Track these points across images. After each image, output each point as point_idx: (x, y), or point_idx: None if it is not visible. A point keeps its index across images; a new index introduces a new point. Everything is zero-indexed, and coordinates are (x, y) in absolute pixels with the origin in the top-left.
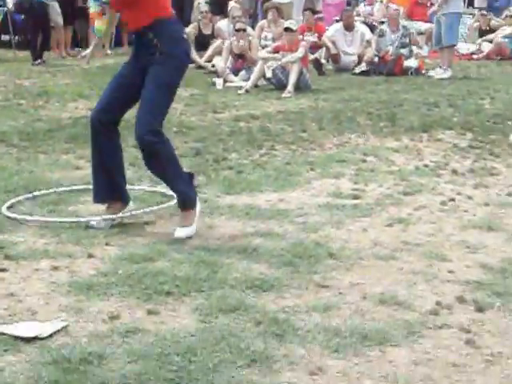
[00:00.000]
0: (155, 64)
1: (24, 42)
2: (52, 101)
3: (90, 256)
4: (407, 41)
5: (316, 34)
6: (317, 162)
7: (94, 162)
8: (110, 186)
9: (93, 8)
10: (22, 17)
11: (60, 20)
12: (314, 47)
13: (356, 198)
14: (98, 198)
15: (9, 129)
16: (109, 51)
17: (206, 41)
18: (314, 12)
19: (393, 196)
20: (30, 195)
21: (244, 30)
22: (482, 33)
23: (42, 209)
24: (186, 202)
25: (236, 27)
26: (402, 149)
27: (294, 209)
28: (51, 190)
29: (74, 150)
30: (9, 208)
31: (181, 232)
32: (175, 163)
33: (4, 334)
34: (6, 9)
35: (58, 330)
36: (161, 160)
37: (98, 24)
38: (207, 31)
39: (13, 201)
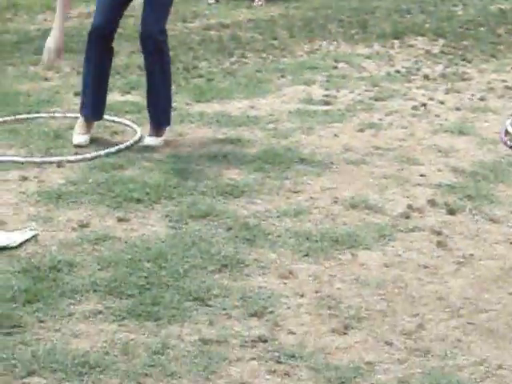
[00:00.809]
0: None
1: None
2: (20, 13)
3: (60, 165)
4: None
5: None
6: (288, 69)
7: (94, 78)
8: (104, 102)
9: None
10: None
11: None
12: None
13: (327, 104)
14: (98, 116)
15: None
16: None
17: None
18: None
19: (364, 102)
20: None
21: None
22: None
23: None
24: (168, 117)
25: None
26: (374, 55)
27: (264, 115)
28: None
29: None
30: None
31: (153, 141)
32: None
33: None
34: None
35: (28, 239)
36: (166, 62)
37: None
38: None
39: None
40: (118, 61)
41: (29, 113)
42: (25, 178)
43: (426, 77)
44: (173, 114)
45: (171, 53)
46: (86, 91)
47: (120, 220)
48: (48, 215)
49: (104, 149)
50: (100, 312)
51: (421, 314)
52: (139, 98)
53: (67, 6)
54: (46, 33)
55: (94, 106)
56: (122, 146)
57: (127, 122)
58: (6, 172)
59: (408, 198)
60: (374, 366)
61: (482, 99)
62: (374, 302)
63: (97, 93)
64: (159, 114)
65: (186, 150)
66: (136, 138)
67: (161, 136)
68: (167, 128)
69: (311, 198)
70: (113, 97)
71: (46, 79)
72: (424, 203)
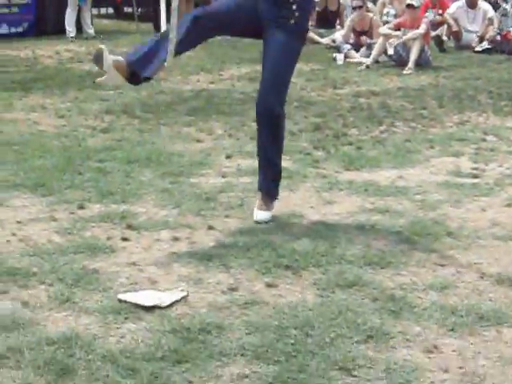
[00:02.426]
0: (284, 30)
1: (147, 14)
2: (174, 73)
3: (210, 228)
4: None
5: (440, 11)
6: (436, 139)
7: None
8: None
9: None
10: None
11: None
12: (436, 24)
13: (475, 177)
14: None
15: (131, 100)
16: None
17: (330, 17)
18: None
19: None
20: None
21: (361, 7)
22: None
23: (163, 180)
24: (277, 189)
25: (353, 5)
26: None
27: (412, 186)
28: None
29: (196, 122)
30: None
31: (263, 215)
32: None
33: (125, 301)
34: None
35: (178, 300)
36: (281, 135)
37: None
38: (333, 7)
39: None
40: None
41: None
42: (176, 239)
43: None
44: (322, 181)
45: (320, 119)
46: None
47: (268, 285)
48: (198, 277)
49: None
50: (247, 376)
51: None
52: (290, 163)
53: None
54: (198, 94)
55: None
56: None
57: None
58: (158, 232)
59: None
60: None
61: None
62: None
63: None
64: (269, 185)
65: (334, 217)
66: None
67: (270, 209)
68: (274, 204)
69: (457, 272)
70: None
71: (199, 141)
72: None
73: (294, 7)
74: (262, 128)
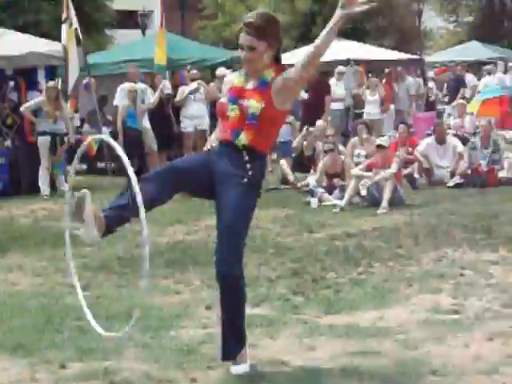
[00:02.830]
0: (239, 189)
1: (120, 168)
2: (150, 225)
3: (193, 380)
4: (497, 157)
5: (409, 149)
6: (414, 277)
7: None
8: None
9: None
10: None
11: (154, 146)
12: (407, 162)
13: (456, 312)
14: None
15: (109, 256)
16: None
17: (305, 162)
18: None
19: (492, 309)
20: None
21: (332, 150)
22: None
23: (143, 335)
24: (244, 341)
25: (325, 148)
26: (500, 260)
27: (393, 326)
28: None
29: (173, 274)
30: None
31: (239, 369)
32: (245, 300)
33: None
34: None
35: None
36: (241, 297)
37: None
38: (308, 152)
39: None
40: (247, 272)
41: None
42: None
43: None
44: (303, 326)
45: (298, 264)
46: None
47: None
48: None
49: None
50: None
51: None
52: (269, 310)
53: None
54: (175, 246)
55: None
56: None
57: None
58: None
59: None
60: None
61: None
62: None
63: None
64: (231, 342)
65: (315, 363)
66: None
67: (245, 361)
68: (247, 353)
69: None
70: None
71: (177, 292)
72: None
73: (248, 166)
74: (223, 286)
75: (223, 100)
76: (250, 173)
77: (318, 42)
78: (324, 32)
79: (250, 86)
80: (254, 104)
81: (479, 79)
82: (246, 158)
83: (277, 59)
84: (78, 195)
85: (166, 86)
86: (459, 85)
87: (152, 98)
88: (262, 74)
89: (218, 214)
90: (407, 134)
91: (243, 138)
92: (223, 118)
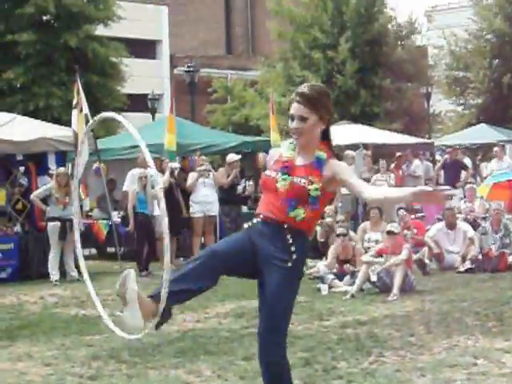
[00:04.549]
0: (283, 273)
1: (130, 253)
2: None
3: None
4: (508, 241)
5: (415, 230)
6: (427, 367)
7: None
8: None
9: None
10: (127, 229)
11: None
12: (417, 244)
13: None
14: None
15: (118, 344)
16: None
17: (319, 247)
18: (409, 210)
19: None
20: None
21: (345, 235)
22: None
23: None
24: None
25: (337, 232)
26: None
27: None
28: None
29: (184, 364)
30: None
31: None
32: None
33: None
34: (111, 222)
35: None
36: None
37: None
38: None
39: None
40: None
41: None
42: None
43: None
44: None
45: (309, 354)
46: None
47: None
48: None
49: None
50: None
51: None
52: None
53: None
54: (185, 334)
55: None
56: None
57: None
58: None
59: None
60: None
61: None
62: None
63: None
64: None
65: None
66: None
67: None
68: None
69: None
70: None
71: (188, 383)
72: None
73: (293, 249)
74: (265, 374)
75: (268, 173)
76: (294, 256)
77: (392, 196)
78: (400, 194)
79: (301, 161)
80: (315, 187)
81: (474, 163)
82: (290, 240)
83: (326, 133)
84: (123, 274)
85: (173, 164)
86: (459, 168)
87: (161, 183)
88: (313, 152)
89: (260, 296)
90: (408, 218)
91: (300, 215)
92: (269, 191)
